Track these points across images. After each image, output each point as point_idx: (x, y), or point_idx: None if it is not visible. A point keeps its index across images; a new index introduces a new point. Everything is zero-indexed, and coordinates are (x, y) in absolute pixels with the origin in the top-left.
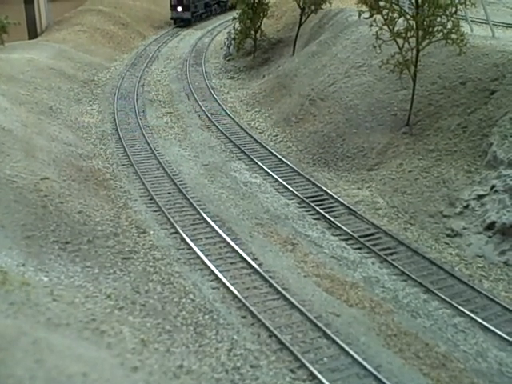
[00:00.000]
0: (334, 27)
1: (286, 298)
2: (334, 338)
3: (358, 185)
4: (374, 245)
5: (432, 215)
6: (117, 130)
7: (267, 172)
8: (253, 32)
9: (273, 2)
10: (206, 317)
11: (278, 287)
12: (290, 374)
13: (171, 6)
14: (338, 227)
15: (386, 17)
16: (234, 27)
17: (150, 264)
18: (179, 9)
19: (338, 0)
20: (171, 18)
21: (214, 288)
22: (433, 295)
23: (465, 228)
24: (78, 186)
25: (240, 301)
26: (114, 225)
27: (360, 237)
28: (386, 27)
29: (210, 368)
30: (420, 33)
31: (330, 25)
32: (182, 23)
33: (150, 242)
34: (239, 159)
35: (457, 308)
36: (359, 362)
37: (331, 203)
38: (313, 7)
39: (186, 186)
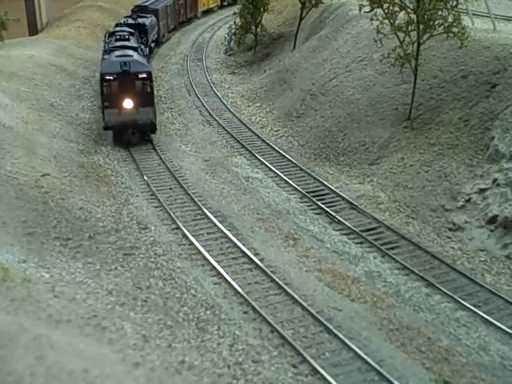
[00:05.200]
0: (335, 21)
1: (287, 293)
2: (336, 332)
3: (359, 179)
4: (376, 239)
5: (434, 209)
6: None
7: (268, 167)
8: (253, 27)
9: None
10: (208, 312)
11: (279, 282)
12: (292, 368)
13: (104, 96)
14: (340, 222)
15: (386, 10)
16: (234, 22)
17: (152, 260)
18: (128, 104)
19: None
20: (106, 128)
21: (215, 283)
22: (435, 289)
23: (467, 222)
24: (79, 183)
25: (242, 296)
26: (116, 221)
27: (361, 231)
28: (386, 21)
29: (211, 363)
30: (421, 26)
31: (330, 19)
32: (133, 138)
33: (152, 238)
34: (240, 154)
35: (459, 302)
36: (361, 357)
37: (332, 198)
38: (313, 1)
39: (187, 182)
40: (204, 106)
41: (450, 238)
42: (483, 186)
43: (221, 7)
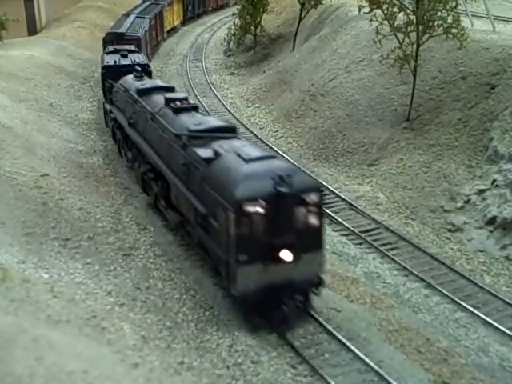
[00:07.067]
0: (334, 22)
1: None
2: (335, 333)
3: (358, 180)
4: (375, 240)
5: (433, 210)
6: None
7: None
8: (253, 27)
9: None
10: (207, 313)
11: None
12: (292, 369)
13: (236, 241)
14: (339, 222)
15: (386, 11)
16: (234, 23)
17: (151, 260)
18: (284, 253)
19: None
20: (239, 298)
21: (214, 284)
22: (434, 290)
23: (466, 223)
24: (79, 183)
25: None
26: (115, 221)
27: (361, 232)
28: (386, 22)
29: (211, 364)
30: (420, 27)
31: (330, 20)
32: (292, 312)
33: (151, 239)
34: None
35: (458, 303)
36: (360, 358)
37: (332, 198)
38: (313, 2)
39: None
40: (203, 106)
41: (449, 239)
42: (482, 187)
43: (183, 23)
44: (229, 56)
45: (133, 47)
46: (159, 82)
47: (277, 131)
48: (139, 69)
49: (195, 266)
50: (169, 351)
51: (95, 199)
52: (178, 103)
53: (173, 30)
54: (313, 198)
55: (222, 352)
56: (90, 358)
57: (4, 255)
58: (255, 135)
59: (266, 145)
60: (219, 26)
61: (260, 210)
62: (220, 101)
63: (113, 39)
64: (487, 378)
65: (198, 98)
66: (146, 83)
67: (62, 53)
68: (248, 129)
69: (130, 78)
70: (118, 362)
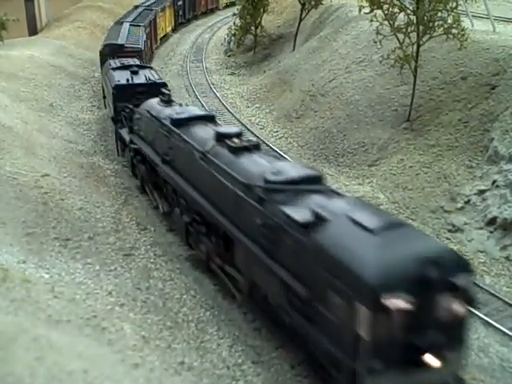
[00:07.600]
0: (335, 23)
1: None
2: None
3: (358, 180)
4: None
5: (433, 210)
6: None
7: None
8: (253, 28)
9: None
10: (208, 313)
11: None
12: (292, 370)
13: (367, 347)
14: None
15: (386, 12)
16: (234, 23)
17: (151, 261)
18: (430, 358)
19: None
20: None
21: (215, 284)
22: None
23: (466, 223)
24: (79, 183)
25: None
26: (115, 221)
27: None
28: (386, 22)
29: (211, 364)
30: (420, 28)
31: (330, 20)
32: None
33: (151, 239)
34: None
35: None
36: None
37: None
38: (313, 2)
39: None
40: (203, 106)
41: (450, 240)
42: (482, 188)
43: (174, 29)
44: (229, 56)
45: (137, 61)
46: (195, 110)
47: (277, 131)
48: (166, 91)
49: (195, 266)
50: (169, 351)
51: (95, 199)
52: (235, 140)
53: (165, 37)
54: (463, 280)
55: (222, 352)
56: (90, 358)
57: (4, 255)
58: (255, 135)
59: (267, 145)
60: (219, 26)
61: (404, 304)
62: (220, 101)
63: (111, 52)
64: (487, 378)
65: (198, 98)
66: (181, 111)
67: (62, 53)
68: (248, 129)
69: (154, 102)
70: (119, 362)
